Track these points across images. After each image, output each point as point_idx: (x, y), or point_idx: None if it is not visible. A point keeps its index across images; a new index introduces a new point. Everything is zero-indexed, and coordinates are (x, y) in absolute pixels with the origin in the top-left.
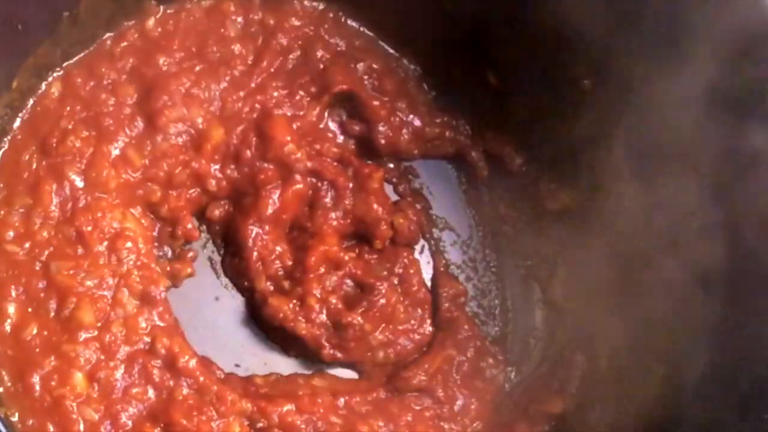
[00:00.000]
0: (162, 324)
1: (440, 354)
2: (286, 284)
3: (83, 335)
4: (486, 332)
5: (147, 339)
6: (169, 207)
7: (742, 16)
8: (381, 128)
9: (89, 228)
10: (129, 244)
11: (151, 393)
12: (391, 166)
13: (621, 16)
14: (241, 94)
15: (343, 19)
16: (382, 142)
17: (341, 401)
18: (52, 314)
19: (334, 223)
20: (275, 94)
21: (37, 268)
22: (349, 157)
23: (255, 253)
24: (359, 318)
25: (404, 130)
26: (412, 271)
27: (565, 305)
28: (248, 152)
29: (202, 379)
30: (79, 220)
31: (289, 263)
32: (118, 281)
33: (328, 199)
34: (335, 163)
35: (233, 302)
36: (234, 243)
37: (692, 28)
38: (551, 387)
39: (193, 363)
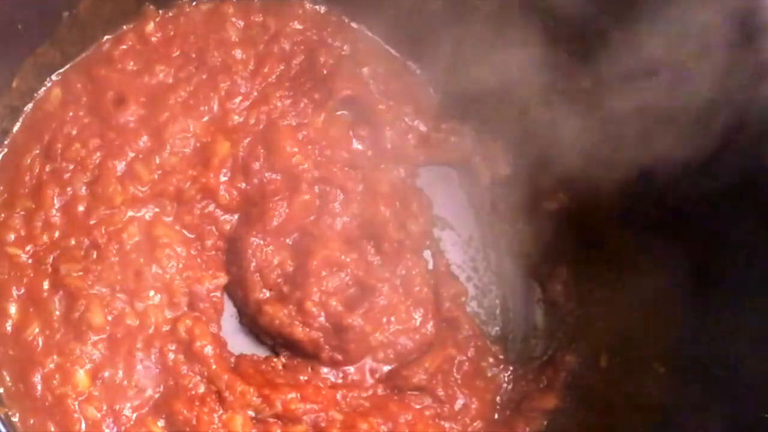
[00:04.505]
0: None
1: (441, 353)
2: (285, 288)
3: (92, 336)
4: (486, 332)
5: (167, 326)
6: (183, 224)
7: None
8: (387, 132)
9: (104, 240)
10: (168, 251)
11: (158, 388)
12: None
13: None
14: (245, 104)
15: (346, 22)
16: (389, 146)
17: (339, 395)
18: (56, 314)
19: (339, 227)
20: (279, 104)
21: (42, 270)
22: (360, 160)
23: (253, 264)
24: (360, 319)
25: (410, 135)
26: (415, 272)
27: (565, 305)
28: (256, 164)
29: (214, 367)
30: (92, 234)
31: (290, 269)
32: (135, 287)
33: (336, 204)
34: (345, 168)
35: (234, 306)
36: (234, 252)
37: None
38: (540, 384)
39: (209, 349)
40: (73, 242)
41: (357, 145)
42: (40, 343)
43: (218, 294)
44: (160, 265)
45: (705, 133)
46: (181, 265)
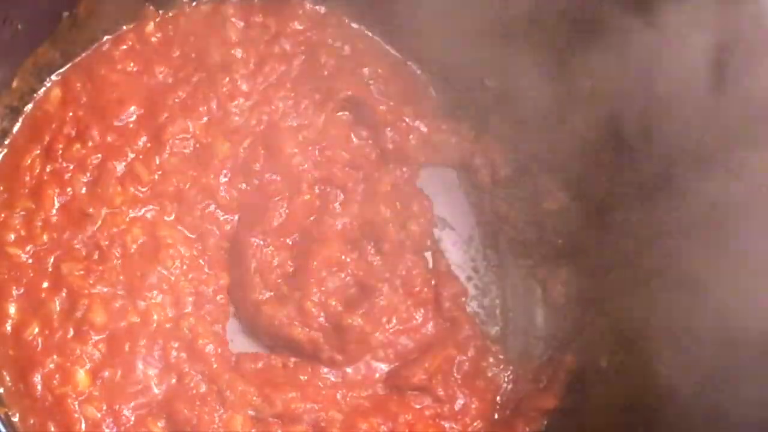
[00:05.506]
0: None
1: (441, 353)
2: (285, 289)
3: (93, 335)
4: (486, 332)
5: (169, 324)
6: (184, 225)
7: None
8: (388, 133)
9: (106, 242)
10: (171, 252)
11: (160, 387)
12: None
13: None
14: (246, 105)
15: (346, 22)
16: (390, 146)
17: (339, 394)
18: (56, 314)
19: (339, 227)
20: (280, 105)
21: (42, 269)
22: (360, 161)
23: (253, 265)
24: (360, 319)
25: (411, 136)
26: (415, 272)
27: (565, 305)
28: (257, 165)
29: (215, 366)
30: (94, 234)
31: (290, 270)
32: (136, 288)
33: (336, 204)
34: (346, 168)
35: (234, 306)
36: (234, 253)
37: None
38: (540, 384)
39: (210, 348)
40: (75, 242)
41: (357, 146)
42: (40, 343)
43: (223, 296)
44: (164, 266)
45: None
46: (185, 267)
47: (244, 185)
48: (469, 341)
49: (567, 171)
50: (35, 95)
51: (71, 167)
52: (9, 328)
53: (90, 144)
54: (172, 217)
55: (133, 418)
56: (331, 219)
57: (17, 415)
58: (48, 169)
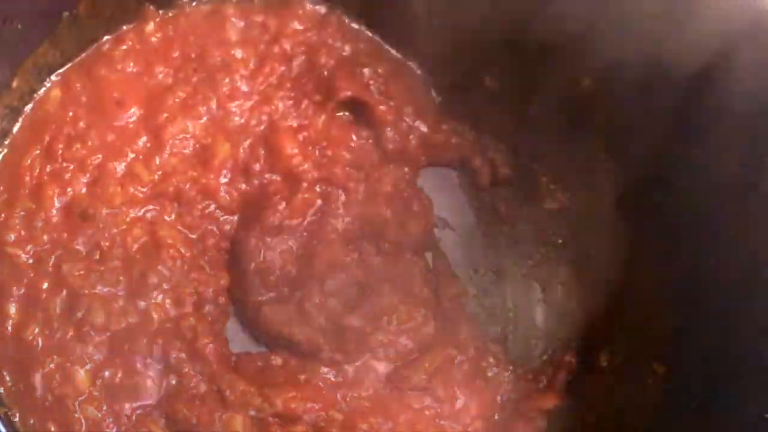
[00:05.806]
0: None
1: (441, 353)
2: (285, 290)
3: (94, 335)
4: (486, 332)
5: (169, 324)
6: (184, 225)
7: None
8: (389, 133)
9: (107, 243)
10: (172, 252)
11: (159, 387)
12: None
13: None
14: (246, 105)
15: (346, 22)
16: (390, 147)
17: (339, 394)
18: (57, 314)
19: (340, 228)
20: (280, 105)
21: (43, 269)
22: (361, 161)
23: (252, 265)
24: (360, 319)
25: (411, 136)
26: (415, 272)
27: (565, 305)
28: (257, 165)
29: (215, 366)
30: (95, 235)
31: (290, 270)
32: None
33: (337, 204)
34: (347, 168)
35: (234, 306)
36: (234, 253)
37: None
38: (540, 384)
39: (210, 348)
40: (75, 242)
41: (358, 146)
42: (40, 343)
43: (224, 296)
44: (164, 266)
45: None
46: (186, 267)
47: (244, 185)
48: (469, 341)
49: (567, 171)
50: (35, 95)
51: (71, 167)
52: (9, 328)
53: (90, 144)
54: (172, 217)
55: (133, 419)
56: (331, 219)
57: (17, 415)
58: (48, 169)
